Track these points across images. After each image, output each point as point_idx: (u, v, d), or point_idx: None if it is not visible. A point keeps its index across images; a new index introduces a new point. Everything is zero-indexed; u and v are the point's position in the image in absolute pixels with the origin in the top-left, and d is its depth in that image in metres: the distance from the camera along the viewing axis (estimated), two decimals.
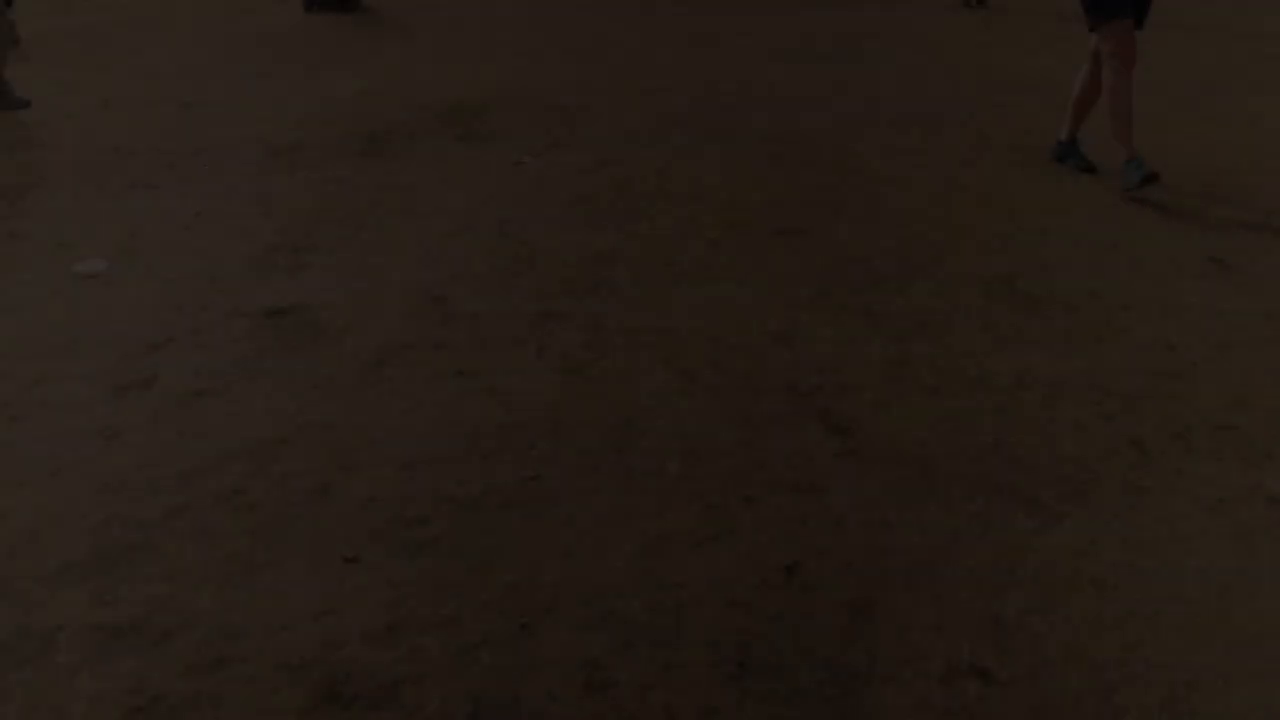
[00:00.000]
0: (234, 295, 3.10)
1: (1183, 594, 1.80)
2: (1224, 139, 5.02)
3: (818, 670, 1.62)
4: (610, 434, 2.32)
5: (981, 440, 2.29)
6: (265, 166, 4.52)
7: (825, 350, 2.74)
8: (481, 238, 3.61)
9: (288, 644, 1.67)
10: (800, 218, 3.81)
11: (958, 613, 1.74)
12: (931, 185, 4.22)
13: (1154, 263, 3.36)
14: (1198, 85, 6.27)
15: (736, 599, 1.78)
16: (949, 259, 3.37)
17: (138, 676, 1.59)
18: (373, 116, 5.52)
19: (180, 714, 1.52)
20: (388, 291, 3.13)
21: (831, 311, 2.99)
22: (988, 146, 4.85)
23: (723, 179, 4.32)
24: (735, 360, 2.68)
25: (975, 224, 3.72)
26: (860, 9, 10.76)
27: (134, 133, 5.17)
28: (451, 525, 1.98)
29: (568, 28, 9.31)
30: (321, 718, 1.52)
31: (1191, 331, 2.85)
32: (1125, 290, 3.13)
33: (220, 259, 3.40)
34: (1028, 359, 2.67)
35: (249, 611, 1.74)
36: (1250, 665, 1.63)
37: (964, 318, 2.93)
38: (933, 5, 11.03)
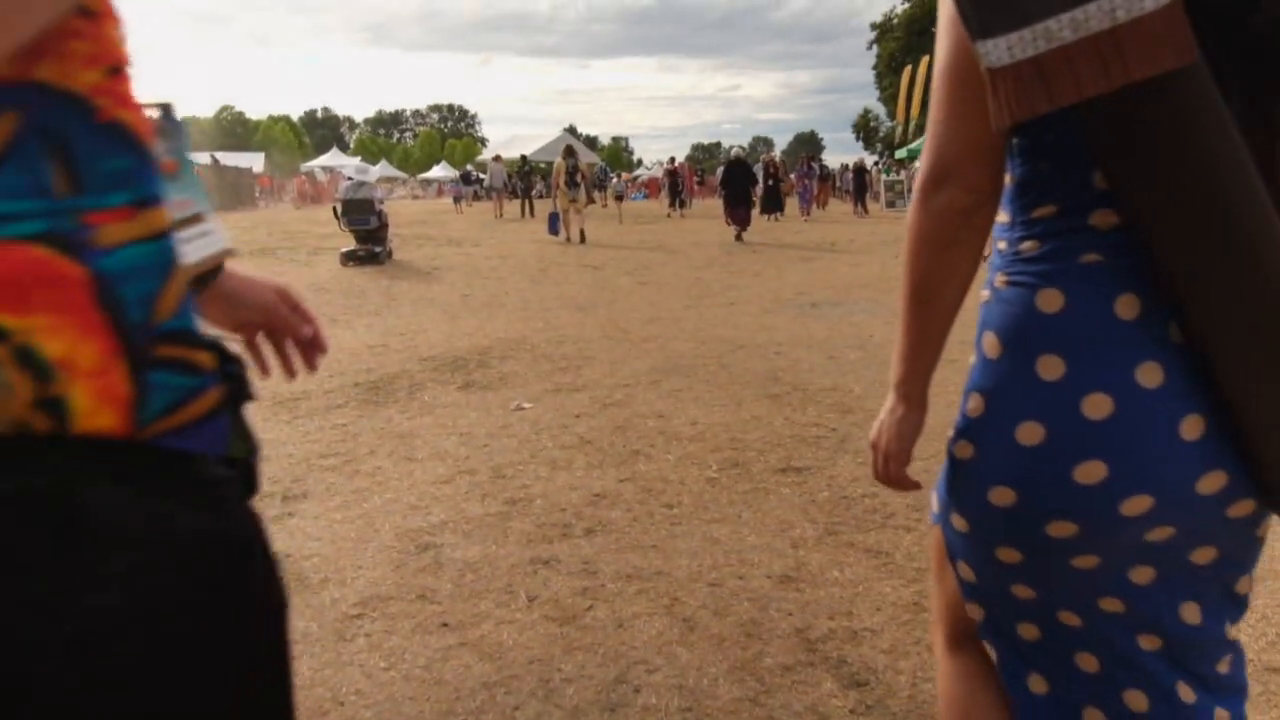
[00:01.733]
0: None
1: None
2: None
3: None
4: (603, 691, 2.11)
5: None
6: (267, 416, 4.55)
7: (835, 593, 2.57)
8: (477, 482, 3.54)
9: None
10: (801, 456, 3.76)
11: None
12: (930, 421, 4.18)
13: None
14: None
15: None
16: None
17: None
18: (379, 367, 5.65)
19: None
20: (375, 539, 3.01)
21: (839, 551, 2.85)
22: None
23: (722, 419, 4.31)
24: (739, 606, 2.51)
25: None
26: (851, 263, 11.38)
27: None
28: None
29: (572, 284, 9.79)
30: None
31: None
32: None
33: None
34: None
35: None
36: None
37: None
38: None
